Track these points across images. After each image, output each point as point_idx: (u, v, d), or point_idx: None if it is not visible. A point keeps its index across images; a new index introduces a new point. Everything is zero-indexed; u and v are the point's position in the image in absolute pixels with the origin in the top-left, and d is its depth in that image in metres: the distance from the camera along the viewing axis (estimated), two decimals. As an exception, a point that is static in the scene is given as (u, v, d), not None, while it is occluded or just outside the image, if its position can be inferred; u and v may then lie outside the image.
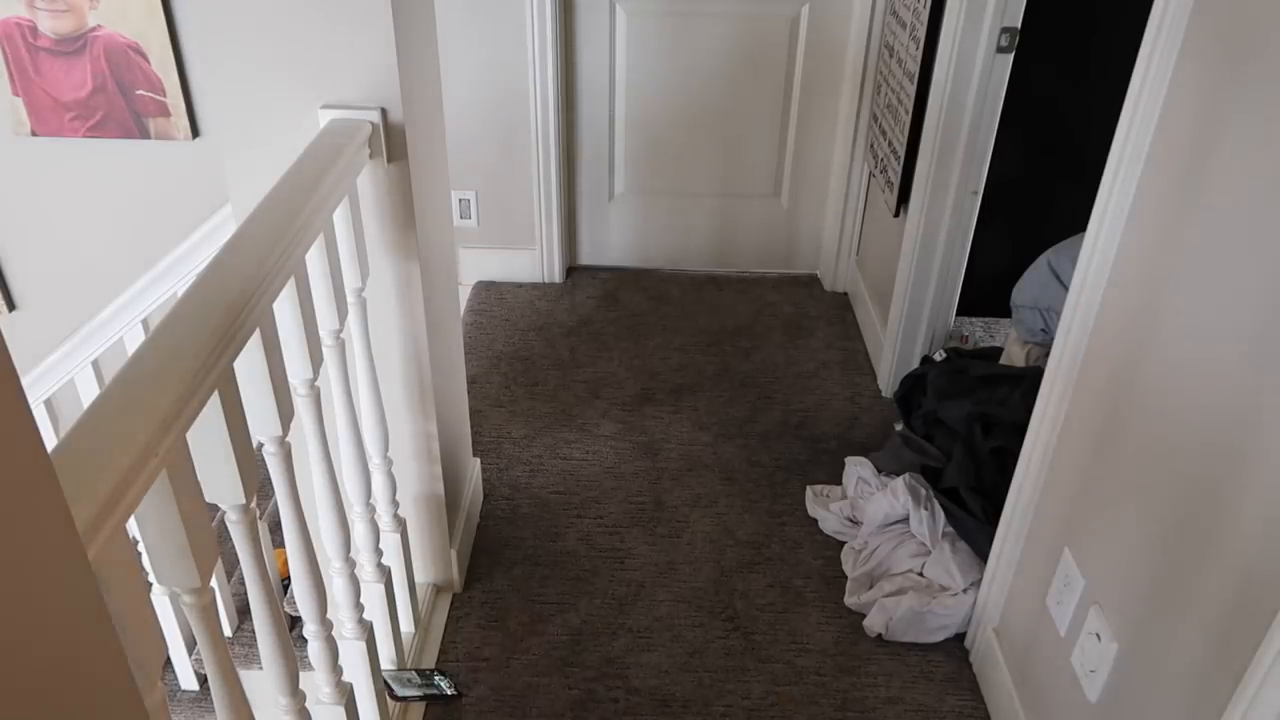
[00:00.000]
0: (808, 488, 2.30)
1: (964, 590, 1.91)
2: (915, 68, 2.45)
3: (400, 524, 1.79)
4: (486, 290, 3.28)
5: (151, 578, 1.07)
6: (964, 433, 2.12)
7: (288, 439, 1.21)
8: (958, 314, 2.70)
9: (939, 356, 2.49)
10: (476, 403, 2.65)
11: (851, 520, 2.19)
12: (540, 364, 2.85)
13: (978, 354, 2.52)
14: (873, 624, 1.93)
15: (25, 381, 2.39)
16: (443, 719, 1.77)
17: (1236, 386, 1.11)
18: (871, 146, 2.98)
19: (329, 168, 1.33)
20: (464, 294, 3.23)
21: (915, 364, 2.60)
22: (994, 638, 1.78)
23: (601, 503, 2.29)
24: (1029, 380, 2.14)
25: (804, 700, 1.81)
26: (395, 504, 1.76)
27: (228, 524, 1.08)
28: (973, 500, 2.00)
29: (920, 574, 1.99)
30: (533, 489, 2.32)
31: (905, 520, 2.08)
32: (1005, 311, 2.75)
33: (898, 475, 2.18)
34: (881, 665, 1.88)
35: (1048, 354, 1.62)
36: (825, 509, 2.22)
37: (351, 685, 1.48)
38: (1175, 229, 1.25)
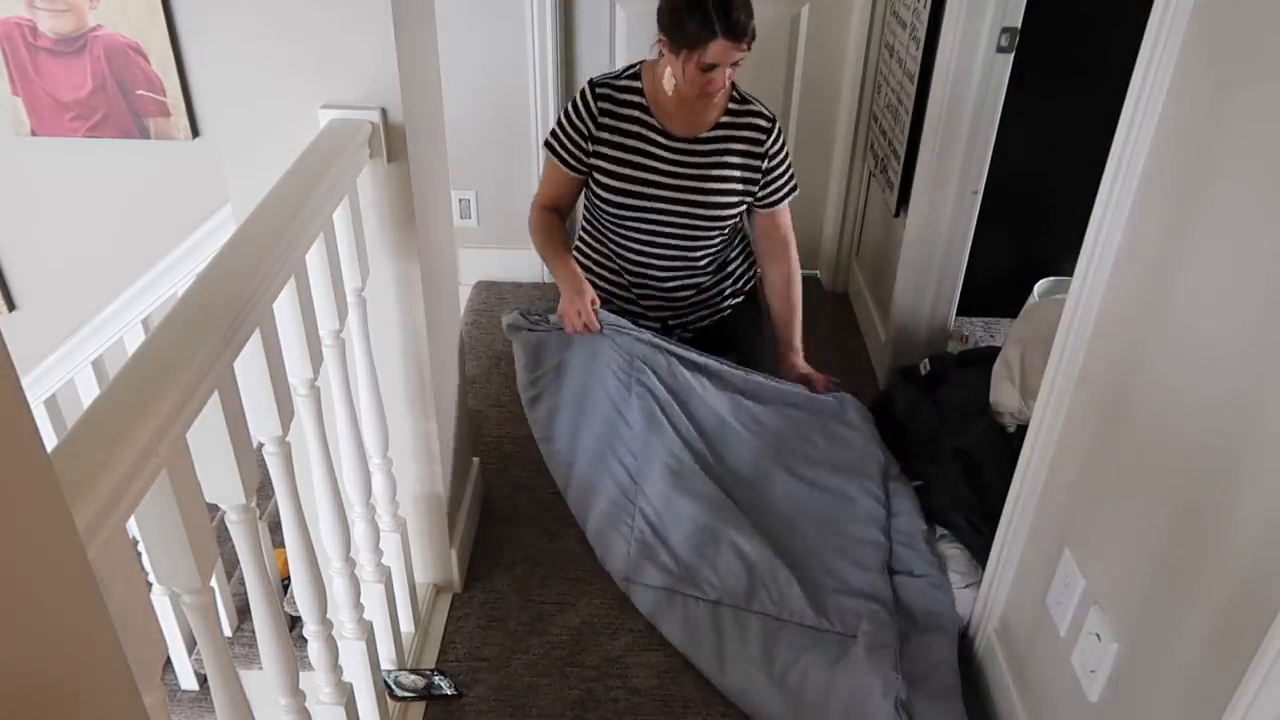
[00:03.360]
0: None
1: (963, 590, 1.91)
2: (915, 68, 2.45)
3: (400, 524, 1.79)
4: (486, 290, 3.28)
5: (151, 578, 1.07)
6: (950, 474, 2.12)
7: (288, 439, 1.21)
8: (958, 314, 2.69)
9: (925, 368, 2.49)
10: (476, 403, 2.65)
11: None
12: (540, 364, 2.84)
13: (966, 359, 2.50)
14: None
15: (25, 381, 2.39)
16: (443, 719, 1.77)
17: (1236, 387, 1.11)
18: (871, 146, 2.98)
19: (329, 168, 1.33)
20: (464, 294, 3.23)
21: (915, 364, 2.60)
22: (994, 638, 1.78)
23: (601, 503, 2.29)
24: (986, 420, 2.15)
25: (804, 700, 1.81)
26: (395, 504, 1.76)
27: (228, 524, 1.08)
28: (967, 528, 2.00)
29: (920, 574, 1.99)
30: (533, 489, 2.32)
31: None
32: (1005, 311, 2.75)
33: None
34: (881, 665, 1.88)
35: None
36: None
37: (351, 685, 1.48)
38: (1176, 229, 1.25)
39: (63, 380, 2.47)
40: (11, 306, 3.56)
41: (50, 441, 2.29)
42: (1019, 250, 2.80)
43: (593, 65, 3.06)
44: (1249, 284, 1.09)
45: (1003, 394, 2.19)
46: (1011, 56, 2.24)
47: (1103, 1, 2.39)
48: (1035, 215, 2.75)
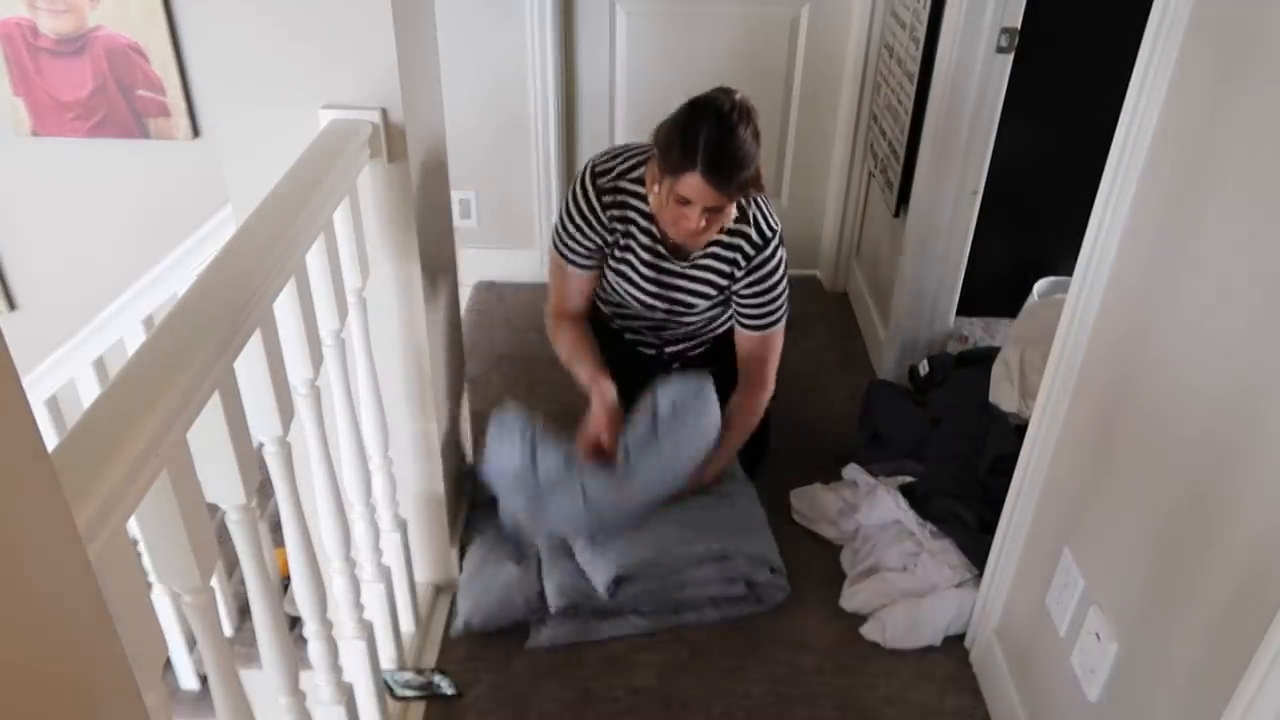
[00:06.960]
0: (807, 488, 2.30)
1: (957, 586, 1.91)
2: (915, 68, 2.45)
3: (400, 524, 1.79)
4: (486, 290, 3.28)
5: (151, 578, 1.07)
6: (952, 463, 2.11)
7: (288, 439, 1.21)
8: (958, 314, 2.69)
9: (923, 369, 2.49)
10: (476, 403, 2.65)
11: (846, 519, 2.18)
12: (540, 364, 2.84)
13: (965, 359, 2.50)
14: (869, 633, 1.93)
15: (25, 381, 2.38)
16: (443, 719, 1.77)
17: (1236, 386, 1.11)
18: (871, 146, 2.98)
19: (329, 168, 1.33)
20: (464, 294, 3.22)
21: (916, 363, 2.60)
22: (994, 638, 1.78)
23: (601, 503, 2.28)
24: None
25: (804, 700, 1.81)
26: (395, 504, 1.76)
27: (228, 524, 1.08)
28: (966, 512, 2.00)
29: (916, 571, 1.99)
30: (533, 489, 2.31)
31: (901, 520, 2.08)
32: (1005, 311, 2.74)
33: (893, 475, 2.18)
34: (881, 665, 1.88)
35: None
36: (821, 511, 2.22)
37: (351, 685, 1.48)
38: (1176, 228, 1.25)
39: (63, 380, 2.47)
40: (11, 306, 3.57)
41: (50, 441, 2.28)
42: (1019, 250, 2.79)
43: (593, 65, 3.06)
44: (1249, 283, 1.09)
45: (1002, 394, 2.19)
46: (1011, 56, 2.24)
47: (1103, 2, 2.39)
48: (1035, 215, 2.74)
